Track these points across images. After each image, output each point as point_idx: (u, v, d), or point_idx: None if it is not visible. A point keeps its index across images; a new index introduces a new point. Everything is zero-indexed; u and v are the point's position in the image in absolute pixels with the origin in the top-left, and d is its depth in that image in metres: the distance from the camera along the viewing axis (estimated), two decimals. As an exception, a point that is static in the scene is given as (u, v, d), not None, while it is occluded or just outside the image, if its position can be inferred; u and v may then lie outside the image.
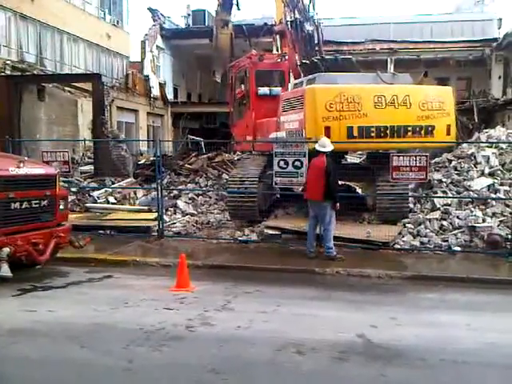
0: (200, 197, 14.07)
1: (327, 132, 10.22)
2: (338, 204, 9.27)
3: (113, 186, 14.92)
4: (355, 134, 10.39)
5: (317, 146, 9.40)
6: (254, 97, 13.41)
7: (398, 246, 10.19)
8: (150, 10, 31.76)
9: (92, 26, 26.83)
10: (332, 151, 9.49)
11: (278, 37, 14.61)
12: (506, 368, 5.10)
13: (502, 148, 12.56)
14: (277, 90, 13.37)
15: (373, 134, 10.43)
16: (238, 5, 16.44)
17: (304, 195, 9.77)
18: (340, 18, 32.96)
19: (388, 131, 10.56)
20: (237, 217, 11.92)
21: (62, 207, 8.53)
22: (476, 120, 25.66)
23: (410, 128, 10.65)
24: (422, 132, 10.74)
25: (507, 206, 10.74)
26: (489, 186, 11.52)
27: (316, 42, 13.86)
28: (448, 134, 11.00)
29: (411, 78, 11.90)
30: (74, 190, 14.23)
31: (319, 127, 10.32)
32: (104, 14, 28.83)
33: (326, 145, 9.36)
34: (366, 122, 10.46)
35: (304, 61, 13.37)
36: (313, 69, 12.71)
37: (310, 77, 11.57)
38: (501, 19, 31.90)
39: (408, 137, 10.66)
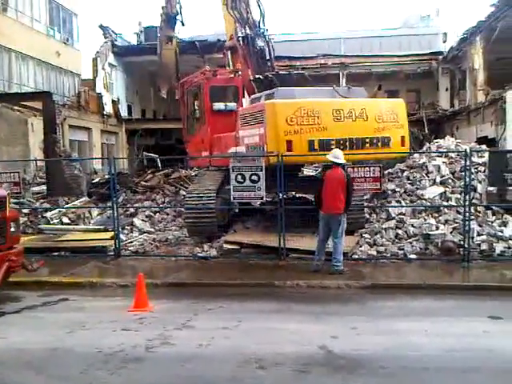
0: (157, 214, 13.90)
1: (289, 146, 10.36)
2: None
3: (66, 205, 14.58)
4: (316, 146, 10.53)
5: (331, 158, 9.33)
6: (209, 112, 13.31)
7: (356, 256, 10.33)
8: (101, 27, 31.41)
9: (41, 44, 26.30)
10: (292, 164, 9.48)
11: (229, 53, 14.61)
12: (464, 372, 5.21)
13: (451, 157, 12.94)
14: (232, 105, 13.39)
15: (333, 147, 10.49)
16: (182, 21, 16.42)
17: (321, 209, 9.44)
18: (291, 34, 33.47)
19: (347, 143, 10.76)
20: (195, 233, 11.83)
21: (13, 230, 8.25)
22: (426, 131, 26.44)
23: (367, 140, 10.93)
24: (379, 144, 11.05)
25: (459, 213, 11.04)
26: (441, 195, 11.85)
27: (268, 57, 14.00)
28: (403, 145, 11.36)
29: (366, 92, 12.21)
30: (25, 211, 13.84)
31: (281, 141, 10.41)
32: (54, 32, 28.33)
33: (340, 156, 9.34)
34: (326, 135, 10.63)
35: (257, 76, 13.48)
36: (268, 84, 12.83)
37: (269, 92, 11.66)
38: (446, 33, 33.04)
39: (366, 148, 10.92)
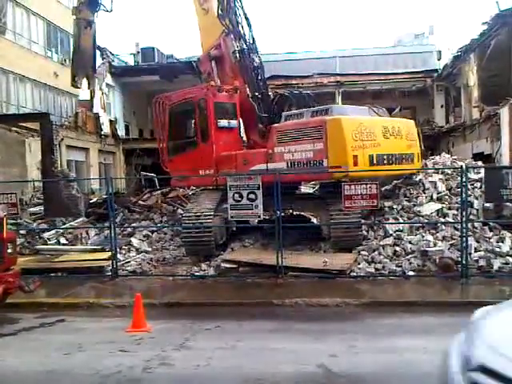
0: (155, 233, 13.86)
1: (355, 160, 10.81)
2: None
3: (64, 226, 14.54)
4: (375, 161, 11.11)
5: None
6: (214, 129, 12.78)
7: (354, 274, 10.30)
8: (98, 48, 31.64)
9: (39, 65, 26.48)
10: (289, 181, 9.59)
11: (213, 63, 13.78)
12: (463, 389, 5.17)
13: (448, 174, 12.99)
14: (234, 122, 13.24)
15: (385, 162, 11.31)
16: (110, 7, 15.14)
17: None
18: (286, 53, 33.79)
19: (393, 158, 11.55)
20: (193, 252, 11.80)
21: (10, 251, 8.24)
22: (422, 147, 26.53)
23: (403, 156, 11.86)
24: (409, 159, 12.04)
25: (456, 229, 11.04)
26: (438, 211, 11.86)
27: (260, 76, 13.99)
28: (418, 160, 12.51)
29: (387, 111, 13.25)
30: (22, 232, 13.80)
31: (349, 156, 10.79)
32: (51, 53, 28.57)
33: None
34: (380, 151, 11.28)
35: (255, 93, 13.43)
36: (273, 101, 13.09)
37: (321, 108, 12.05)
38: (440, 51, 33.47)
39: (403, 164, 11.79)
